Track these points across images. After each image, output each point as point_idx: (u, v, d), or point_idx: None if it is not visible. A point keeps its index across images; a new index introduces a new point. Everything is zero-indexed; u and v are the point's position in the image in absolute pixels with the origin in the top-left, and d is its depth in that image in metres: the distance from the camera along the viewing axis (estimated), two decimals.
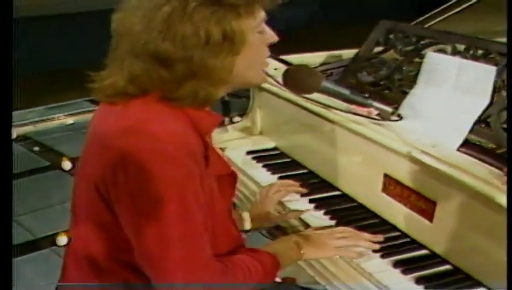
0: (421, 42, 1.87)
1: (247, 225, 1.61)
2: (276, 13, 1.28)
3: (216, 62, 1.19)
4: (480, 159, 1.44)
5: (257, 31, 1.26)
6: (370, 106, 1.67)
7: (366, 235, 1.49)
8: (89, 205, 1.27)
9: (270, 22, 1.31)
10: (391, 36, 1.96)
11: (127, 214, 1.19)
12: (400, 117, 1.66)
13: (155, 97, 1.22)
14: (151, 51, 1.18)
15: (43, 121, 4.97)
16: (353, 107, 1.72)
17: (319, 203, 1.71)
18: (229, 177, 1.39)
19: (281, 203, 1.72)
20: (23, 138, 4.73)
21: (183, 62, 1.18)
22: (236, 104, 2.46)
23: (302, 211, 1.68)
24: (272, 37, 1.31)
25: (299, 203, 1.74)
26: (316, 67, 2.16)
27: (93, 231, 1.27)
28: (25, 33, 6.23)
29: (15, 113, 4.94)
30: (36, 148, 4.61)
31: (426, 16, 2.15)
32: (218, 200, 1.32)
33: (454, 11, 2.14)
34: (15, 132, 4.70)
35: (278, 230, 1.71)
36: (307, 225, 1.63)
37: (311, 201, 1.73)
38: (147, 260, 1.19)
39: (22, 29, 6.16)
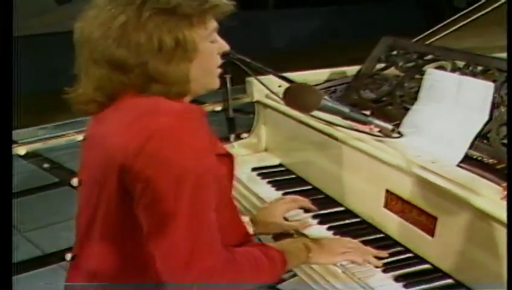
0: (422, 59, 1.90)
1: (250, 229, 1.61)
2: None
3: (169, 68, 1.24)
4: (480, 175, 1.45)
5: (209, 40, 1.31)
6: (370, 123, 1.68)
7: (372, 250, 1.51)
8: (100, 214, 1.28)
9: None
10: (392, 53, 1.99)
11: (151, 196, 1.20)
12: (401, 134, 1.67)
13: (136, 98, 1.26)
14: (108, 57, 1.23)
15: (52, 138, 5.01)
16: (355, 124, 1.74)
17: (322, 219, 1.72)
18: (226, 157, 1.40)
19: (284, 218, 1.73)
20: (33, 155, 4.77)
21: (139, 68, 1.23)
22: (242, 120, 2.47)
23: (309, 223, 1.70)
24: (224, 46, 1.36)
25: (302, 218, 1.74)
26: (320, 84, 2.18)
27: (103, 246, 1.29)
28: (34, 51, 6.29)
29: (24, 131, 5.01)
30: (46, 165, 4.66)
31: (428, 32, 2.17)
32: (226, 185, 1.35)
33: (457, 27, 2.15)
34: (25, 149, 4.74)
35: (283, 236, 1.69)
36: None
37: (314, 217, 1.73)
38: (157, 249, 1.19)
39: (31, 47, 6.24)
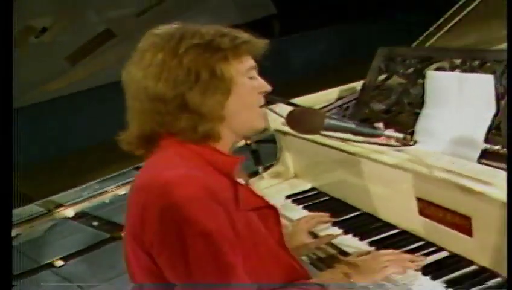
0: (420, 62, 1.89)
1: None
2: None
3: (204, 99, 1.26)
4: (499, 167, 1.44)
5: (247, 76, 1.33)
6: (381, 135, 1.66)
7: (408, 255, 1.50)
8: (136, 260, 1.30)
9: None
10: (391, 62, 1.99)
11: (164, 260, 1.22)
12: (415, 141, 1.65)
13: (169, 143, 1.30)
14: (150, 93, 1.27)
15: (96, 195, 5.09)
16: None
17: (363, 235, 1.72)
18: (268, 209, 1.41)
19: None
20: (81, 215, 4.85)
21: (176, 99, 1.26)
22: (265, 148, 2.49)
23: (335, 235, 1.71)
24: (264, 86, 1.37)
25: (345, 237, 1.74)
26: (332, 103, 2.19)
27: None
28: (58, 113, 6.30)
29: (69, 193, 5.09)
30: (95, 223, 4.72)
31: (425, 34, 2.16)
32: (260, 232, 1.35)
33: (451, 24, 2.14)
34: (73, 211, 4.83)
35: (320, 261, 1.72)
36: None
37: (355, 234, 1.74)
38: None
39: (54, 111, 6.28)
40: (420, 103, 1.81)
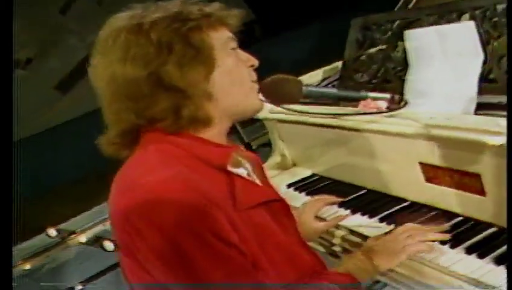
0: (398, 26, 1.80)
1: None
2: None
3: (182, 72, 1.10)
4: (499, 115, 1.34)
5: (229, 48, 1.19)
6: (365, 98, 1.60)
7: (429, 228, 1.41)
8: (132, 276, 1.17)
9: None
10: (367, 31, 1.91)
11: (158, 273, 1.08)
12: (405, 102, 1.58)
13: (149, 139, 1.14)
14: (119, 79, 1.12)
15: (107, 219, 5.02)
16: (361, 108, 1.65)
17: (371, 213, 1.64)
18: (277, 203, 1.27)
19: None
20: (95, 239, 4.79)
21: (150, 78, 1.10)
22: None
23: (343, 216, 1.62)
24: (252, 59, 1.24)
25: (354, 217, 1.66)
26: (318, 84, 2.10)
27: None
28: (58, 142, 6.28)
29: (79, 218, 5.04)
30: (107, 244, 4.66)
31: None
32: (269, 230, 1.21)
33: None
34: (84, 237, 4.77)
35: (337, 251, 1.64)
36: (365, 238, 1.54)
37: (363, 213, 1.66)
38: None
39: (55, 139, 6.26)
40: (405, 66, 1.72)
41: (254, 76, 1.24)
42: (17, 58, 6.17)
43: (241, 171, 1.25)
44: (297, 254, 1.30)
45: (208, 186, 1.08)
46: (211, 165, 1.15)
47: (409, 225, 1.42)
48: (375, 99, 1.60)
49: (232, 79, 1.17)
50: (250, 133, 2.90)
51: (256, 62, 1.25)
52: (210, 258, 1.03)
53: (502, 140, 1.24)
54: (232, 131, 2.38)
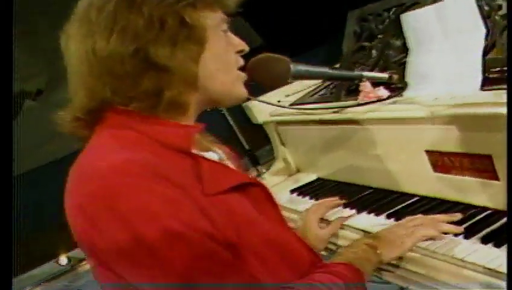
0: (394, 13, 1.70)
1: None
2: None
3: (174, 50, 1.01)
4: (506, 89, 1.20)
5: (221, 29, 1.09)
6: (360, 77, 1.51)
7: (442, 216, 1.28)
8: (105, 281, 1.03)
9: None
10: (364, 22, 1.81)
11: (122, 269, 0.96)
12: (405, 84, 1.47)
13: (107, 125, 1.03)
14: (101, 52, 1.00)
15: None
16: (361, 99, 1.55)
17: (378, 211, 1.51)
18: (256, 188, 1.13)
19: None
20: None
21: (137, 54, 0.99)
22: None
23: (347, 217, 1.50)
24: (242, 44, 1.13)
25: (362, 217, 1.54)
26: (320, 85, 2.00)
27: None
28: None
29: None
30: None
31: None
32: (252, 217, 1.07)
33: None
34: None
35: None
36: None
37: (369, 212, 1.53)
38: None
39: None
40: (404, 51, 1.61)
41: (241, 62, 1.15)
42: (28, 90, 6.20)
43: (211, 155, 1.13)
44: (285, 244, 1.13)
45: (170, 170, 0.96)
46: (173, 148, 1.03)
47: (417, 216, 1.30)
48: (369, 78, 1.51)
49: (219, 64, 1.08)
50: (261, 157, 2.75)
51: (246, 47, 1.15)
52: (178, 248, 0.90)
53: None
54: (233, 137, 2.29)
